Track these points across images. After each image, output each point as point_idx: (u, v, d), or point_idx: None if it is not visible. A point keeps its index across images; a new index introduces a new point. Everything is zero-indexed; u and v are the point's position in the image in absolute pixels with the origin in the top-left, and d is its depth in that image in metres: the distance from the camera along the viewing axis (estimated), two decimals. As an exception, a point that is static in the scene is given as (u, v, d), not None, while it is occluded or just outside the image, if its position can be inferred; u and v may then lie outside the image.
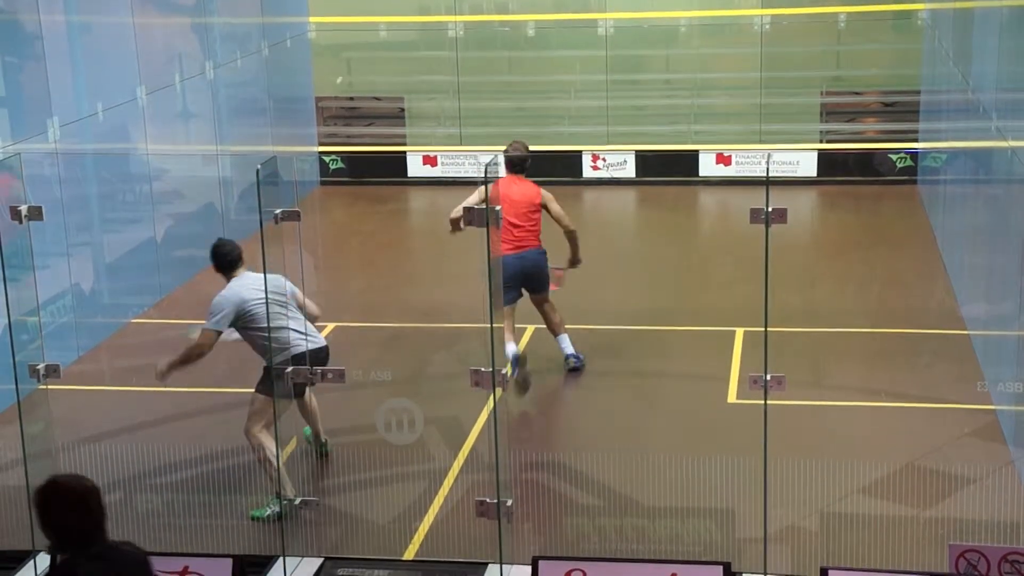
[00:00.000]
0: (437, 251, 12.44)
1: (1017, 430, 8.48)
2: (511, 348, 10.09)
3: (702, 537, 7.49)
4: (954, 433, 8.97)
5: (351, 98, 17.83)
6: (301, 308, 8.36)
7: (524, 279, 10.24)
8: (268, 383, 7.99)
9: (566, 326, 10.44)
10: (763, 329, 6.24)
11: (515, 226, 10.15)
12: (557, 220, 10.33)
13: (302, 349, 8.08)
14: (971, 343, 10.52)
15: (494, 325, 6.22)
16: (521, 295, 10.32)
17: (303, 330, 8.19)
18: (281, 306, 8.17)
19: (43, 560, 6.19)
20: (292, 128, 16.73)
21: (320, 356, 8.31)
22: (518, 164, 10.28)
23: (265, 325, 8.03)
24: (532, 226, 10.21)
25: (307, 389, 8.58)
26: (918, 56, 16.50)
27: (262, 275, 7.78)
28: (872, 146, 16.50)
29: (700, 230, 15.86)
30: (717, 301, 11.90)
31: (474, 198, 9.68)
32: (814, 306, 11.69)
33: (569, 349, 10.46)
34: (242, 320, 8.19)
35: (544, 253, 10.29)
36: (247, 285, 8.20)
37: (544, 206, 10.28)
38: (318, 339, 8.43)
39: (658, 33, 17.28)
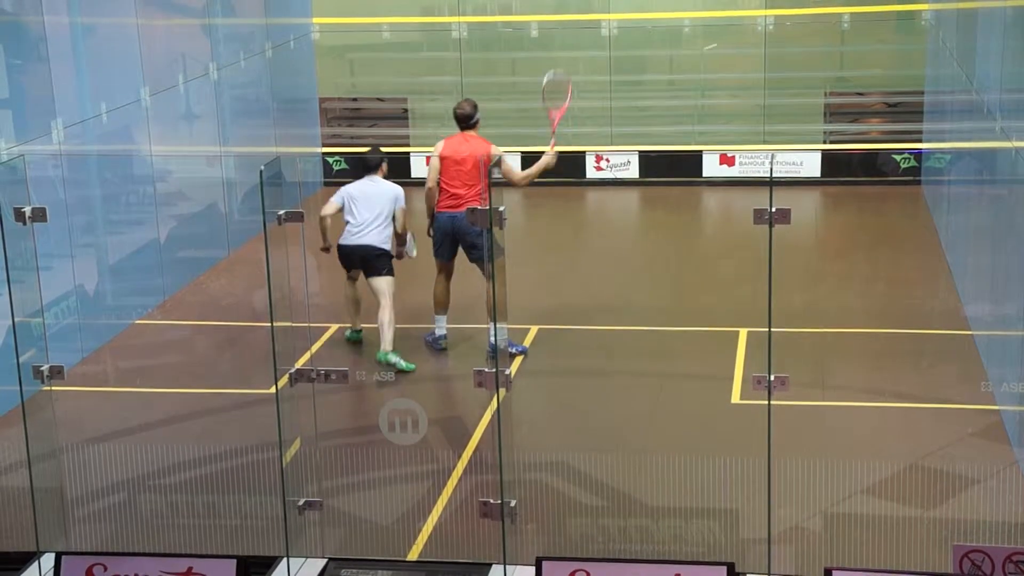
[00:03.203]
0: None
1: (1021, 430, 8.47)
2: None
3: (706, 538, 7.48)
4: (958, 433, 8.95)
5: (355, 99, 17.83)
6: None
7: (453, 238, 10.60)
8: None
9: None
10: (767, 329, 6.23)
11: (454, 184, 10.55)
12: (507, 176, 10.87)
13: (344, 241, 10.56)
14: (975, 343, 10.51)
15: (492, 322, 6.22)
16: (455, 253, 10.67)
17: (359, 224, 10.44)
18: (360, 202, 10.45)
19: (47, 561, 6.19)
20: (296, 129, 16.74)
21: (358, 252, 10.46)
22: (463, 120, 10.85)
23: (348, 218, 10.55)
24: (473, 184, 10.54)
25: (365, 280, 10.61)
26: (922, 57, 16.48)
27: (386, 185, 10.56)
28: (876, 147, 16.48)
29: (703, 230, 15.85)
30: (721, 301, 11.88)
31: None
32: (818, 306, 11.68)
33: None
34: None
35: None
36: (360, 185, 10.53)
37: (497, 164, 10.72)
38: (362, 238, 10.46)
39: (661, 34, 17.27)
